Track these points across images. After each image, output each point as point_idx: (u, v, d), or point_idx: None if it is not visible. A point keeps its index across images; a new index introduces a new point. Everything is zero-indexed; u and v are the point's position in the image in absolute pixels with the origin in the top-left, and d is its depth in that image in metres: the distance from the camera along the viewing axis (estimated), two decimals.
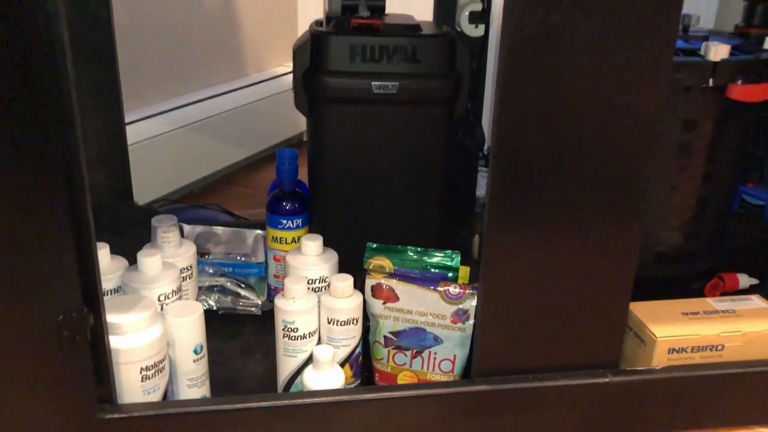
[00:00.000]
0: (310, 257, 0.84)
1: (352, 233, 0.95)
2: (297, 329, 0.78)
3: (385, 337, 0.82)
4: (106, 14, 0.97)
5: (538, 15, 0.63)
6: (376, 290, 0.82)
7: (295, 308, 0.77)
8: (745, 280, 1.02)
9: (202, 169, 1.49)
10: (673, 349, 0.82)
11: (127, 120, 1.13)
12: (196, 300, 0.97)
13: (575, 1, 0.62)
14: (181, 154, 1.40)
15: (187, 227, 1.10)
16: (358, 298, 0.79)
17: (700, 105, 0.87)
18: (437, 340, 0.81)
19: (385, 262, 0.85)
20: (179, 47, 1.50)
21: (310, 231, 1.00)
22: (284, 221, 0.99)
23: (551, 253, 0.72)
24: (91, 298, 0.65)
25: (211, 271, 1.01)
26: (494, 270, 0.72)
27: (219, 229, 1.09)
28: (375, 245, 0.87)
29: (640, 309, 0.86)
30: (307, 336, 0.78)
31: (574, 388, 0.77)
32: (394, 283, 0.81)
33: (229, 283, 1.00)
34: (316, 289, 0.83)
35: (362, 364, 0.83)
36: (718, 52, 0.82)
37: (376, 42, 0.90)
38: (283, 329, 0.78)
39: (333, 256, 0.86)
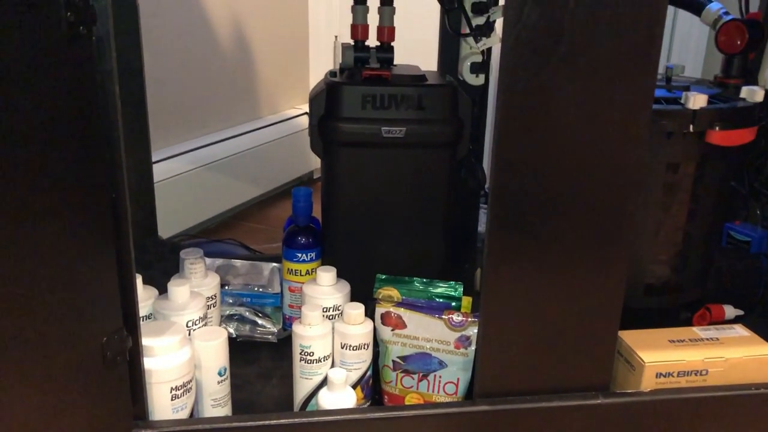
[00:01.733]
0: (324, 287, 0.91)
1: (363, 266, 1.02)
2: (313, 353, 0.85)
3: (393, 361, 0.89)
4: (139, 65, 1.06)
5: (530, 72, 0.71)
6: (385, 318, 0.89)
7: (312, 333, 0.84)
8: (730, 311, 1.08)
9: (219, 206, 1.58)
10: (661, 374, 0.88)
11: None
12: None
13: (563, 61, 0.71)
14: (200, 192, 1.49)
15: (208, 260, 1.17)
16: (368, 325, 0.86)
17: (683, 149, 0.95)
18: (442, 364, 0.88)
19: (394, 292, 0.93)
20: (199, 91, 1.60)
21: (323, 264, 1.07)
22: (299, 254, 1.07)
23: (545, 284, 0.79)
24: (130, 322, 0.72)
25: (230, 300, 1.08)
26: (493, 300, 0.79)
27: (237, 262, 1.16)
28: (384, 276, 0.94)
29: (629, 336, 0.92)
30: (322, 360, 0.85)
31: (568, 409, 0.84)
32: (401, 311, 0.89)
33: (247, 312, 1.07)
34: (330, 317, 0.90)
35: (372, 386, 0.90)
36: (697, 101, 0.90)
37: (385, 91, 0.99)
38: (300, 353, 0.85)
39: (345, 286, 0.93)
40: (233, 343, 1.06)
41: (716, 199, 1.03)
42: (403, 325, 0.88)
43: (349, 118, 0.99)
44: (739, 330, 0.96)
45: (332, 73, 1.05)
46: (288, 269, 1.08)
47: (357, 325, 0.86)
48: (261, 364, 1.02)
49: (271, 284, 1.12)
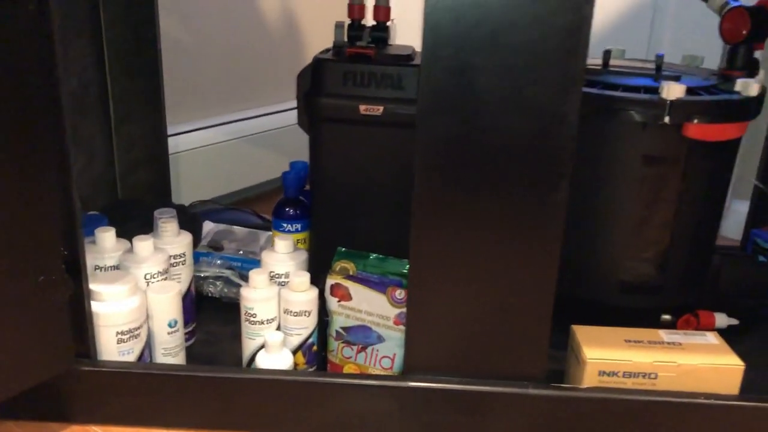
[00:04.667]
0: (279, 254, 0.95)
1: (345, 240, 1.05)
2: (256, 315, 0.89)
3: (336, 331, 0.91)
4: (153, 35, 1.14)
5: (450, 52, 0.71)
6: (334, 289, 0.91)
7: (255, 296, 0.88)
8: (722, 320, 1.02)
9: (253, 178, 1.65)
10: (604, 372, 0.85)
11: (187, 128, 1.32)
12: (203, 288, 1.11)
13: (485, 39, 0.70)
14: (237, 163, 1.57)
15: (211, 224, 1.24)
16: (312, 293, 0.89)
17: (661, 141, 0.90)
18: (380, 339, 0.89)
19: (350, 266, 0.95)
20: (244, 65, 1.67)
21: (310, 236, 1.11)
22: (285, 225, 1.11)
23: (473, 264, 0.79)
24: (74, 267, 0.79)
25: (219, 263, 1.14)
26: (420, 276, 0.80)
27: (237, 229, 1.22)
28: (344, 250, 0.97)
29: (583, 331, 0.90)
30: (265, 322, 0.89)
31: (496, 396, 0.83)
32: (349, 283, 0.91)
33: (233, 276, 1.13)
34: (282, 283, 0.94)
35: (318, 353, 0.93)
36: (672, 91, 0.85)
37: (366, 69, 1.00)
38: (245, 314, 0.89)
39: (301, 255, 0.96)
40: (217, 303, 1.12)
41: (705, 197, 0.97)
42: (349, 297, 0.90)
43: (331, 94, 1.02)
44: (710, 338, 0.90)
45: (324, 51, 1.08)
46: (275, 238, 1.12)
47: (300, 293, 0.89)
48: (237, 325, 1.07)
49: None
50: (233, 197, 1.63)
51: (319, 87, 1.03)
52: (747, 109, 0.89)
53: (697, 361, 0.85)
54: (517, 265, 0.78)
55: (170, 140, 1.48)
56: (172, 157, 1.48)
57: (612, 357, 0.85)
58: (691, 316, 1.01)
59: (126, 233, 0.95)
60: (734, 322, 1.02)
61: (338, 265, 0.95)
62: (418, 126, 0.74)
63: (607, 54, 1.00)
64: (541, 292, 0.80)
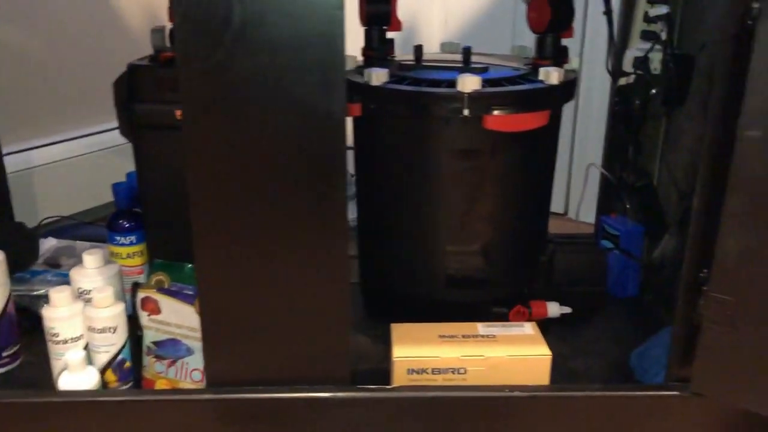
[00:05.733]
0: (87, 269, 0.92)
1: (175, 250, 1.02)
2: (58, 334, 0.85)
3: (147, 346, 0.89)
4: None
5: (204, 53, 0.69)
6: (144, 303, 0.88)
7: (55, 315, 0.85)
8: (554, 309, 1.02)
9: None
10: (413, 370, 0.84)
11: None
12: (37, 306, 1.07)
13: (237, 39, 0.68)
14: (94, 176, 1.53)
15: (53, 241, 1.20)
16: (117, 308, 0.86)
17: (468, 134, 0.90)
18: (190, 351, 0.87)
19: (165, 278, 0.92)
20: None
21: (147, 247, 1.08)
22: (119, 237, 1.08)
23: (259, 270, 0.77)
24: None
25: (54, 280, 1.10)
26: (207, 286, 0.78)
27: (79, 244, 1.18)
28: (160, 261, 0.94)
29: (398, 330, 0.89)
30: (69, 341, 0.86)
31: (300, 402, 0.81)
32: (159, 296, 0.88)
33: None
34: (90, 300, 0.91)
35: (132, 370, 0.90)
36: (468, 83, 0.85)
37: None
38: (47, 334, 0.86)
39: (111, 269, 0.93)
40: None
41: (525, 186, 0.97)
42: (158, 311, 0.88)
43: (147, 100, 0.99)
44: (527, 329, 0.90)
45: (141, 58, 1.05)
46: (111, 252, 1.09)
47: (103, 309, 0.86)
48: None
49: None
50: (99, 212, 1.58)
51: (135, 94, 1.00)
52: (547, 97, 0.89)
53: (505, 353, 0.84)
54: (304, 267, 0.77)
55: (24, 155, 1.44)
56: (27, 172, 1.44)
57: (420, 354, 0.84)
58: (522, 307, 1.00)
59: None
60: (567, 310, 1.02)
61: (153, 278, 0.92)
62: (183, 131, 0.72)
63: (418, 49, 1.00)
64: (334, 292, 0.78)
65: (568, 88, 0.92)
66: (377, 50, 1.03)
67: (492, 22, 1.58)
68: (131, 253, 1.08)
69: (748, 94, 0.67)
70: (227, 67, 0.69)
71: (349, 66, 1.00)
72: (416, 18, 1.64)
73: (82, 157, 1.52)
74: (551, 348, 1.01)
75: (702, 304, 0.76)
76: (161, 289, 0.89)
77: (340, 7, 0.68)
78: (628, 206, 1.16)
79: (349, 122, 1.00)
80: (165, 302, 0.87)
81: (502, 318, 1.00)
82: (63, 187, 1.50)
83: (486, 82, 0.88)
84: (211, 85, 0.70)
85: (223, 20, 0.68)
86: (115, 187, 1.08)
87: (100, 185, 1.51)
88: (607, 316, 1.12)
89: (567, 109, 1.56)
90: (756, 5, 0.65)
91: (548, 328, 1.05)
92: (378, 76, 0.89)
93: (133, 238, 1.08)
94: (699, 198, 0.75)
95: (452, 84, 0.87)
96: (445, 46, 1.12)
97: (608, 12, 1.05)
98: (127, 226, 1.08)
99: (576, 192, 1.60)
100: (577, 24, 1.51)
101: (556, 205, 1.62)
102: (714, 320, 0.75)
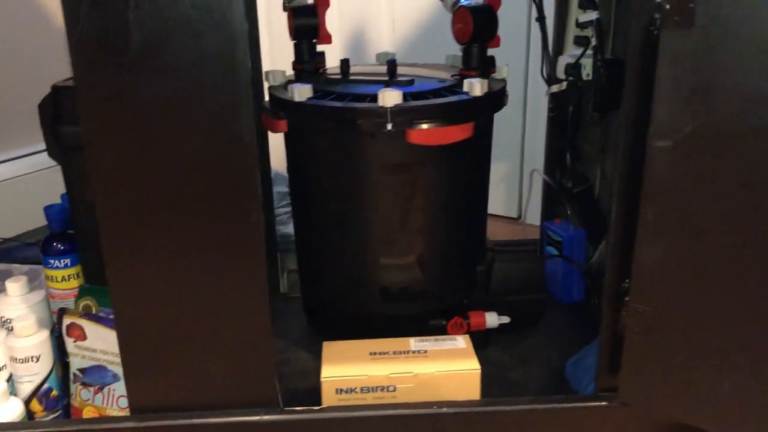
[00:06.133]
0: (10, 297, 0.90)
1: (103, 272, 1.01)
2: None
3: (74, 373, 0.87)
4: None
5: (103, 78, 0.67)
6: (70, 329, 0.87)
7: None
8: (493, 319, 1.01)
9: None
10: (342, 390, 0.83)
11: None
12: None
13: (137, 64, 0.67)
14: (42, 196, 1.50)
15: None
16: (39, 336, 0.85)
17: (395, 149, 0.89)
18: (116, 378, 0.85)
19: (93, 303, 0.91)
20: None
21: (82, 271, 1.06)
22: (52, 261, 1.05)
23: (178, 294, 0.75)
24: None
25: None
26: (124, 314, 0.76)
27: (16, 267, 1.16)
28: (88, 286, 0.92)
29: (328, 348, 0.88)
30: None
31: (226, 427, 0.80)
32: (84, 322, 0.87)
33: None
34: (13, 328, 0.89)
35: (59, 398, 0.88)
36: (388, 98, 0.84)
37: None
38: None
39: (36, 297, 0.92)
40: None
41: (458, 198, 0.96)
42: (84, 337, 0.86)
43: (73, 121, 0.97)
44: (460, 342, 0.89)
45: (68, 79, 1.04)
46: (46, 276, 1.07)
47: (24, 338, 0.84)
48: None
49: None
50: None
51: (60, 115, 0.98)
52: (471, 109, 0.88)
53: (434, 368, 0.84)
54: (221, 288, 0.75)
55: None
56: None
57: (348, 373, 0.83)
58: (460, 318, 1.00)
59: None
60: (505, 320, 1.01)
61: (81, 303, 0.91)
62: (87, 156, 0.71)
63: (345, 63, 0.99)
64: (255, 315, 0.77)
65: (494, 99, 0.91)
66: (307, 64, 1.02)
67: (438, 28, 1.57)
68: (66, 276, 1.06)
69: (655, 105, 0.67)
70: (128, 92, 0.68)
71: (279, 81, 0.99)
72: (365, 24, 1.63)
73: (21, 178, 1.50)
74: (492, 358, 1.01)
75: (624, 315, 0.75)
76: (87, 315, 0.88)
77: (244, 25, 0.66)
78: (569, 212, 1.16)
79: (281, 138, 1.00)
80: (91, 328, 0.86)
81: (441, 330, 1.00)
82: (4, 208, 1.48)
83: (410, 96, 0.87)
84: (112, 111, 0.69)
85: (122, 44, 0.66)
86: (47, 209, 1.06)
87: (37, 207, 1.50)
88: (551, 323, 1.12)
89: (516, 114, 1.58)
90: (658, 15, 0.65)
91: (491, 338, 1.05)
92: (300, 92, 0.88)
93: (67, 260, 1.06)
94: (616, 208, 0.74)
95: (375, 98, 0.86)
96: (381, 57, 1.12)
97: (541, 18, 1.05)
98: (61, 248, 1.06)
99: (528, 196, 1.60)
100: (522, 29, 1.52)
101: (510, 209, 1.62)
102: (636, 330, 0.75)
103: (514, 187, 1.60)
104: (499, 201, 1.62)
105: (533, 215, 1.46)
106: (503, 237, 1.53)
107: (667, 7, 0.63)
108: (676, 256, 0.71)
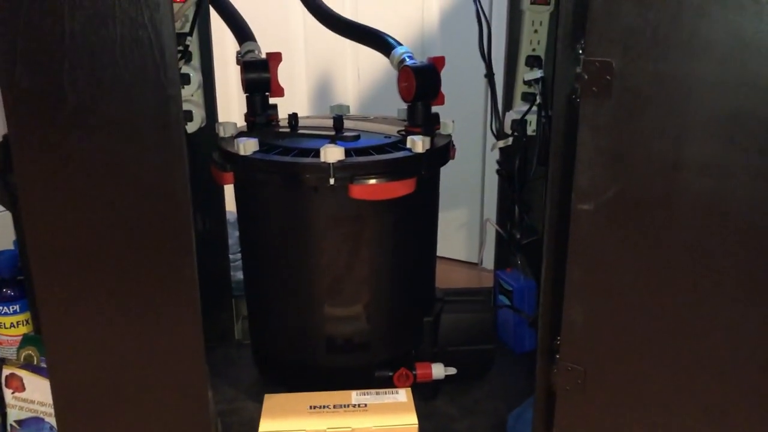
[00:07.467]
0: None
1: None
2: None
3: (11, 425, 0.87)
4: None
5: (38, 134, 0.69)
6: (8, 380, 0.87)
7: None
8: (439, 371, 1.02)
9: None
10: None
11: None
12: None
13: (71, 122, 0.68)
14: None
15: None
16: None
17: (338, 203, 0.90)
18: (53, 430, 0.85)
19: (35, 353, 0.90)
20: None
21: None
22: (1, 307, 1.05)
23: (109, 345, 0.75)
24: None
25: None
26: (57, 363, 0.76)
27: None
28: (31, 335, 0.92)
29: (269, 401, 0.88)
30: None
31: None
32: (23, 373, 0.86)
33: None
34: None
35: None
36: (331, 154, 0.86)
37: None
38: None
39: None
40: None
41: (399, 251, 0.97)
42: (23, 388, 0.86)
43: None
44: (401, 396, 0.90)
45: None
46: None
47: None
48: None
49: None
50: None
51: (10, 163, 0.99)
52: (413, 165, 0.90)
53: (372, 423, 0.84)
54: (155, 341, 0.76)
55: None
56: None
57: (286, 428, 0.83)
58: (406, 370, 1.00)
59: None
60: (452, 371, 1.02)
61: (22, 353, 0.91)
62: (21, 208, 0.71)
63: (293, 117, 1.01)
64: (191, 368, 0.77)
65: (436, 154, 0.93)
66: (259, 116, 1.03)
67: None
68: (15, 323, 1.06)
69: (577, 169, 0.69)
70: (62, 148, 0.69)
71: (230, 133, 1.01)
72: (331, 72, 1.66)
73: None
74: (438, 410, 1.01)
75: (555, 372, 0.76)
76: (27, 366, 0.87)
77: (176, 87, 0.68)
78: (519, 262, 1.18)
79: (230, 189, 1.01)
80: (29, 379, 0.86)
81: (387, 382, 1.00)
82: None
83: (353, 151, 0.89)
84: (46, 166, 0.70)
85: (56, 103, 0.68)
86: None
87: None
88: (501, 373, 1.12)
89: (475, 163, 1.60)
90: (578, 85, 0.67)
91: (440, 388, 1.06)
92: (246, 146, 0.90)
93: (16, 307, 1.06)
94: (545, 267, 0.76)
95: (319, 154, 0.88)
96: (335, 109, 1.14)
97: (490, 75, 1.07)
98: (11, 294, 1.06)
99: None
100: (482, 83, 1.55)
101: (471, 255, 1.64)
102: (566, 388, 0.76)
103: (474, 233, 1.62)
104: (460, 247, 1.64)
105: (491, 262, 1.47)
106: (462, 283, 1.55)
107: (586, 77, 0.65)
108: (601, 316, 0.72)
